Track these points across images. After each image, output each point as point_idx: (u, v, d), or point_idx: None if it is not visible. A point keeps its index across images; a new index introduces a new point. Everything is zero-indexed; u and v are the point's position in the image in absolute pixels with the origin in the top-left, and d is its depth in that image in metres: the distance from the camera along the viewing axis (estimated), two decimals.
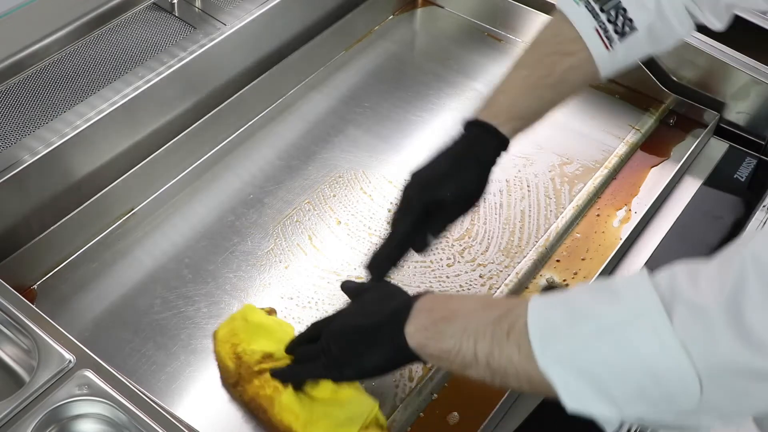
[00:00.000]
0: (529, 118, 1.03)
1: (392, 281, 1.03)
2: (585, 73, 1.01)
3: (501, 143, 1.01)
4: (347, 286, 1.01)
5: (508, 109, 1.01)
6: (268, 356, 0.98)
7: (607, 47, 0.99)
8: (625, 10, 0.98)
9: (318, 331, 0.95)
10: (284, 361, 0.98)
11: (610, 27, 0.98)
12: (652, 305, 0.69)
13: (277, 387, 0.95)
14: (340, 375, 0.92)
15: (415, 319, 0.84)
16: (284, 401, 0.94)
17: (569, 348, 0.73)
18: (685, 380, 0.67)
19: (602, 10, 0.98)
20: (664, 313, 0.68)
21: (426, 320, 0.84)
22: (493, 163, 1.02)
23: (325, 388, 0.95)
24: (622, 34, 0.99)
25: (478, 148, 1.02)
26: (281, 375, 0.96)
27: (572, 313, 0.74)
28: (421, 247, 1.02)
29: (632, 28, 0.99)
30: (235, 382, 0.99)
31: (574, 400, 0.74)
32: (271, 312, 1.08)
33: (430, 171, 1.02)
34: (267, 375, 0.96)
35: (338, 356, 0.90)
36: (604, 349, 0.71)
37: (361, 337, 0.88)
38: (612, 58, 1.00)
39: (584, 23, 0.99)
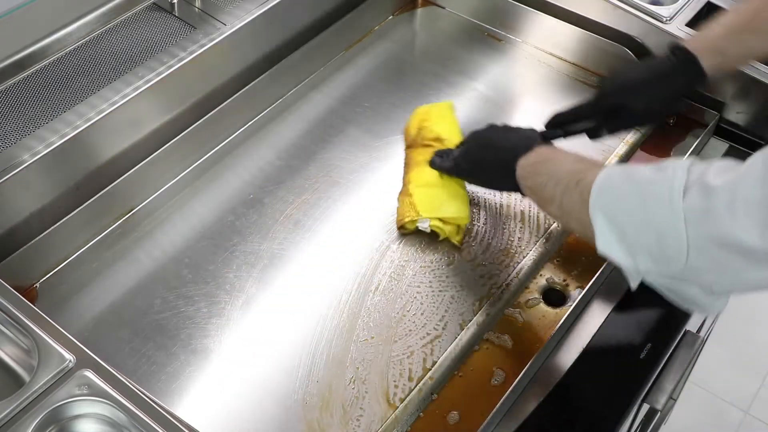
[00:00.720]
0: (731, 57, 1.14)
1: (395, 283, 1.03)
2: None
3: (697, 74, 1.12)
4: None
5: (712, 44, 1.13)
6: (438, 139, 1.25)
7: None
8: None
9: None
10: (449, 145, 1.24)
11: None
12: (678, 181, 0.83)
13: (425, 161, 1.22)
14: (463, 171, 1.18)
15: (527, 156, 1.06)
16: (418, 167, 1.23)
17: (612, 199, 0.89)
18: (678, 245, 0.82)
19: None
20: (682, 189, 0.82)
21: (534, 159, 1.05)
22: (686, 89, 1.16)
23: (450, 182, 1.21)
24: None
25: (675, 72, 1.13)
26: (432, 162, 1.21)
27: (626, 174, 0.90)
28: (595, 135, 1.18)
29: None
30: (408, 144, 1.29)
31: (604, 244, 0.90)
32: None
33: (629, 77, 1.16)
34: (428, 150, 1.24)
35: (469, 159, 1.16)
36: (633, 204, 0.87)
37: (489, 152, 1.13)
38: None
39: None
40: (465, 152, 1.17)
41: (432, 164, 1.21)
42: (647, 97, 1.14)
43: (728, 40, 1.12)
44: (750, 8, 1.12)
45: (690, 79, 1.13)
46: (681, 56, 1.13)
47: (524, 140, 1.10)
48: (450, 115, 1.31)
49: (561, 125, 1.19)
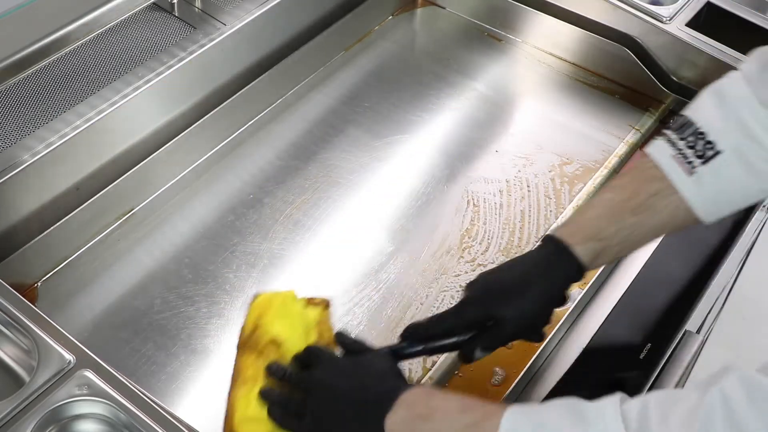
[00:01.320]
0: (609, 241, 0.93)
1: (395, 284, 1.02)
2: (672, 202, 0.92)
3: (571, 266, 0.92)
4: (343, 340, 0.95)
5: (585, 229, 0.93)
6: (275, 342, 0.94)
7: (688, 172, 0.90)
8: (703, 134, 0.90)
9: (305, 369, 0.90)
10: (285, 355, 0.94)
11: (689, 152, 0.90)
12: None
13: (257, 378, 0.92)
14: None
15: (395, 412, 0.82)
16: (246, 386, 0.91)
17: None
18: None
19: (681, 138, 0.91)
20: None
21: (405, 414, 0.82)
22: (564, 286, 0.94)
23: None
24: (704, 159, 0.90)
25: (547, 268, 0.94)
26: (265, 396, 0.90)
27: (539, 430, 0.74)
28: (467, 359, 0.94)
29: (715, 151, 0.89)
30: (241, 343, 0.96)
31: None
32: (323, 304, 1.00)
33: (497, 282, 0.94)
34: (261, 359, 0.94)
35: (319, 420, 0.86)
36: None
37: (344, 412, 0.86)
38: (699, 186, 0.91)
39: (661, 153, 0.92)
40: (313, 409, 0.87)
41: (269, 413, 0.89)
42: (516, 302, 0.92)
43: (604, 222, 0.92)
44: (628, 185, 0.94)
45: (565, 273, 0.93)
46: (552, 248, 0.93)
47: (385, 385, 0.86)
48: (295, 307, 0.98)
49: (422, 340, 0.94)
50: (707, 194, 0.91)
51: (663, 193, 0.92)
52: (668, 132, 0.93)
